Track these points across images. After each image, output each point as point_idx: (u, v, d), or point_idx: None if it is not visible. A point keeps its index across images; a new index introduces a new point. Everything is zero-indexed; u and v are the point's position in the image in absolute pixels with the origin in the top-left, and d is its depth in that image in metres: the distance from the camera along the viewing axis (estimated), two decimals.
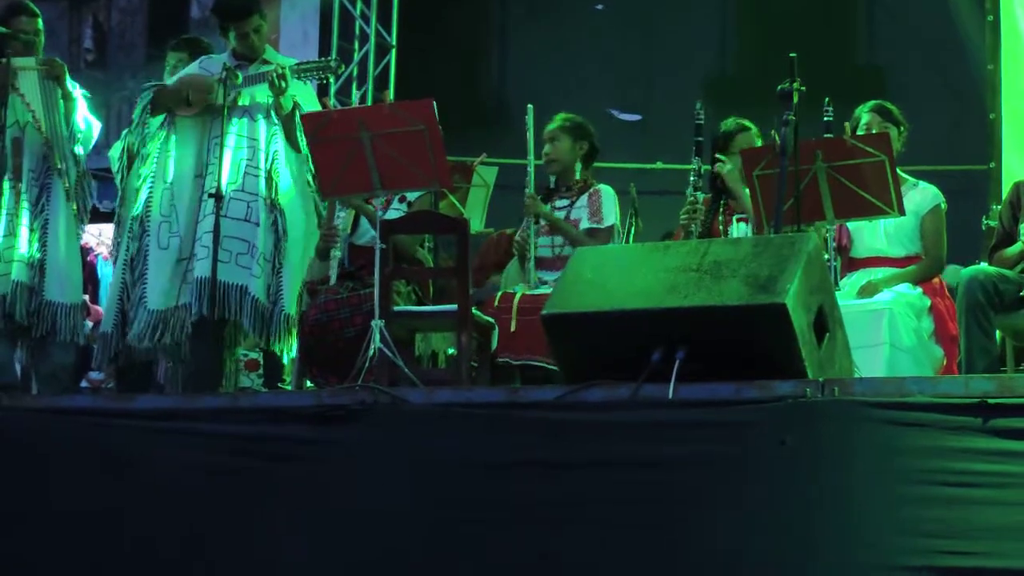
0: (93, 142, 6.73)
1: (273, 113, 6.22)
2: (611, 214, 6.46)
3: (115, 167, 6.45)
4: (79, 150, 6.60)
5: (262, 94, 6.23)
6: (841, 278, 5.95)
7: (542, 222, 6.50)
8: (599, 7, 10.95)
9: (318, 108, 6.55)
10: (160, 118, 6.29)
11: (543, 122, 6.63)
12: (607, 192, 6.52)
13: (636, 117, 10.70)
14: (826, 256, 5.48)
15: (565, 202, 6.54)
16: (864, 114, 6.15)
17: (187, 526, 4.71)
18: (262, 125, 6.24)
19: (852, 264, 6.10)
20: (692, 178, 6.33)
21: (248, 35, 6.33)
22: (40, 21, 6.71)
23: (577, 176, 6.58)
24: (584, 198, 6.51)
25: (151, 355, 6.34)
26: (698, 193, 6.29)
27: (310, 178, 6.21)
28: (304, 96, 6.35)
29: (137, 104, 6.41)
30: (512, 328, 6.00)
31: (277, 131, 6.21)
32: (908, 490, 3.86)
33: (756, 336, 4.19)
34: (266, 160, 6.19)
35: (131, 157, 6.46)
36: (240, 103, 6.21)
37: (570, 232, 6.42)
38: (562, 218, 6.46)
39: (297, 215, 6.21)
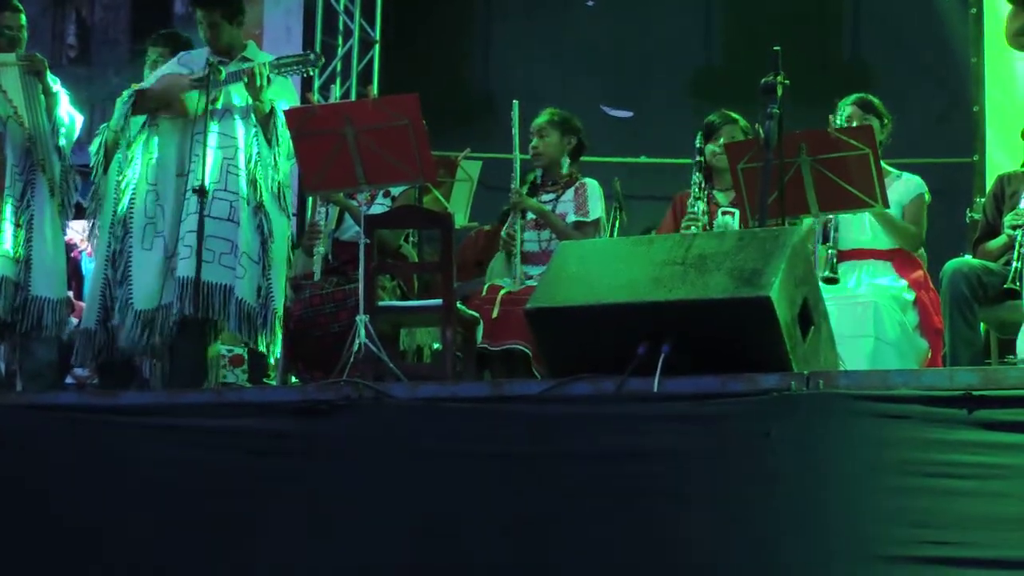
0: (76, 135, 6.70)
1: (252, 114, 6.21)
2: (597, 208, 6.47)
3: (92, 162, 6.44)
4: (63, 143, 6.58)
5: (240, 93, 6.21)
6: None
7: (529, 216, 6.50)
8: (589, 3, 10.92)
9: (297, 103, 6.53)
10: (141, 118, 6.28)
11: (529, 117, 6.63)
12: (593, 186, 6.54)
13: (628, 114, 10.67)
14: (810, 247, 5.48)
15: (551, 196, 6.55)
16: (846, 107, 6.15)
17: (173, 521, 4.70)
18: (240, 125, 6.22)
19: (837, 256, 6.09)
20: (695, 191, 6.27)
21: (205, 25, 6.29)
22: (23, 17, 6.69)
23: (564, 171, 6.59)
24: (570, 192, 6.53)
25: (133, 352, 6.32)
26: (699, 203, 6.22)
27: (276, 177, 6.22)
28: (283, 93, 6.33)
29: (117, 103, 6.39)
30: (494, 315, 6.00)
31: (257, 132, 6.20)
32: (893, 482, 3.87)
33: (741, 329, 4.19)
34: (247, 161, 6.18)
35: (107, 154, 6.45)
36: (219, 103, 6.19)
37: (558, 224, 6.43)
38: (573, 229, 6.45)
39: (277, 215, 6.22)
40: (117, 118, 6.42)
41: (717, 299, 4.22)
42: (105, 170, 6.36)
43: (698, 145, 6.36)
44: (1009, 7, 5.79)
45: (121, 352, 6.23)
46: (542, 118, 6.60)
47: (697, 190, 6.29)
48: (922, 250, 6.19)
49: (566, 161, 6.59)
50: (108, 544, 4.78)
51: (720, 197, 6.36)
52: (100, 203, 6.36)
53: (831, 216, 5.82)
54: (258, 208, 6.15)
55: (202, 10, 6.29)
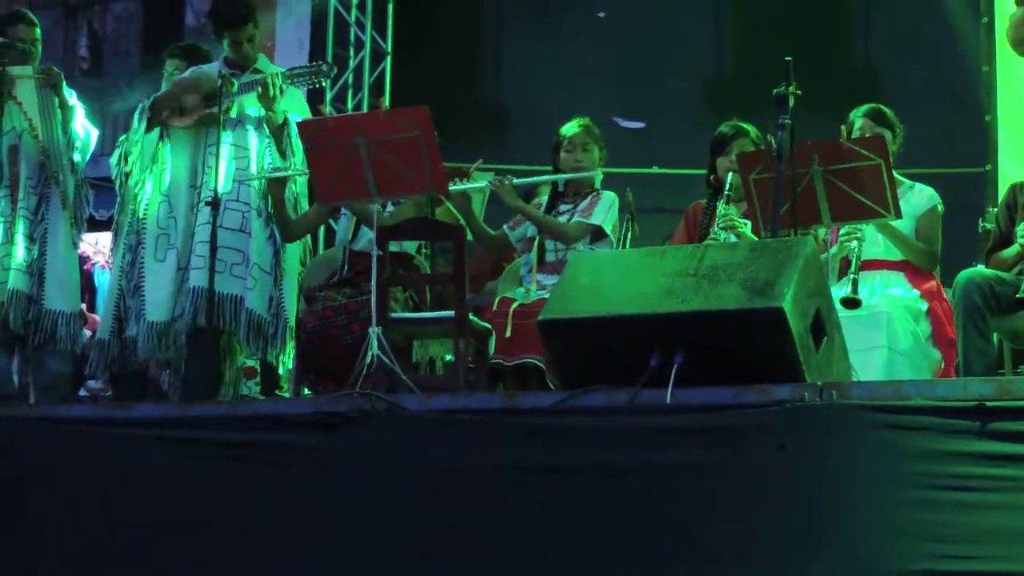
0: (91, 150, 6.73)
1: (264, 125, 6.22)
2: (601, 215, 6.31)
3: (114, 173, 6.47)
4: (77, 158, 6.60)
5: (253, 104, 6.23)
6: (837, 281, 5.94)
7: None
8: (601, 15, 10.90)
9: (309, 115, 6.54)
10: (156, 131, 6.30)
11: (538, 128, 6.59)
12: (607, 196, 6.39)
13: (640, 125, 10.65)
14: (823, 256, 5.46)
15: (569, 206, 6.43)
16: (857, 119, 6.13)
17: (185, 534, 4.71)
18: (253, 136, 6.24)
19: (849, 267, 6.07)
20: (720, 223, 6.12)
21: (242, 43, 6.34)
22: (38, 30, 6.73)
23: (597, 185, 6.46)
24: (586, 201, 6.40)
25: (145, 363, 6.34)
26: (721, 233, 6.12)
27: (290, 187, 6.22)
28: (294, 104, 6.34)
29: (135, 113, 6.41)
30: (507, 334, 5.97)
31: (270, 143, 6.21)
32: (907, 493, 3.86)
33: (754, 340, 4.18)
34: (259, 172, 6.20)
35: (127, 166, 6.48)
36: (232, 113, 6.21)
37: (542, 220, 6.33)
38: (564, 222, 6.38)
39: None
40: (133, 129, 6.45)
41: (729, 310, 4.21)
42: (127, 182, 6.39)
43: (728, 193, 6.16)
44: (1017, 10, 5.76)
45: (131, 362, 6.25)
46: (577, 129, 6.41)
47: (722, 205, 6.14)
48: None
49: (600, 175, 6.48)
50: (119, 555, 4.78)
51: (732, 209, 6.31)
52: (123, 214, 6.39)
53: (854, 244, 5.79)
54: (270, 219, 6.17)
55: (242, 26, 6.32)
